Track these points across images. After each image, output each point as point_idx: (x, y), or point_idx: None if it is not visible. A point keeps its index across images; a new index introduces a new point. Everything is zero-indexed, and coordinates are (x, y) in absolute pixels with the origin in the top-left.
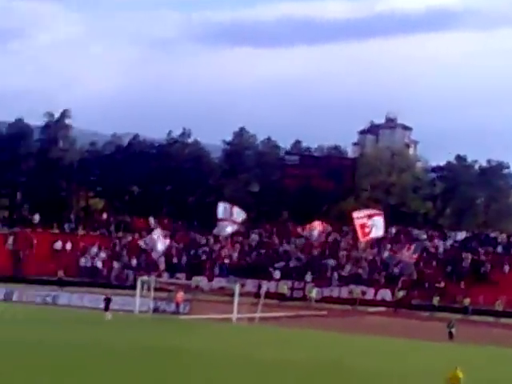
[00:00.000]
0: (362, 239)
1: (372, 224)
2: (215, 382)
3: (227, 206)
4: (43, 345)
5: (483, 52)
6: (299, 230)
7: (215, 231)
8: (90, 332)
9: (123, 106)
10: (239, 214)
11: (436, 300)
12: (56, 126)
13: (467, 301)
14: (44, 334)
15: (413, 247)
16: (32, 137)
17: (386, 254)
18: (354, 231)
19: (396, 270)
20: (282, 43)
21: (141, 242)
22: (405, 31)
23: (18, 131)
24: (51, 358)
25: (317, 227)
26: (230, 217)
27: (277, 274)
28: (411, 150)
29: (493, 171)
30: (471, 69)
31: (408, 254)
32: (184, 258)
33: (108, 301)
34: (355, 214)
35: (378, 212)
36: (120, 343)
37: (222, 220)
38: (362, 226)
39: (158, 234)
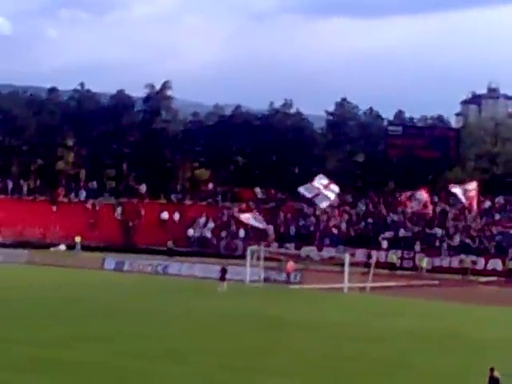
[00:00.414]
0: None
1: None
2: (328, 351)
3: (307, 185)
4: (166, 312)
5: None
6: (403, 197)
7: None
8: (204, 301)
9: (223, 77)
10: (321, 179)
11: None
12: (158, 97)
13: None
14: (164, 303)
15: None
16: (134, 108)
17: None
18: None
19: (504, 241)
20: (383, 14)
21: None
22: (506, 1)
23: (120, 102)
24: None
25: (422, 195)
26: (317, 188)
27: (385, 244)
28: None
29: None
30: None
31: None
32: (292, 228)
33: (224, 271)
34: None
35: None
36: (234, 313)
37: (314, 196)
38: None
39: (249, 218)
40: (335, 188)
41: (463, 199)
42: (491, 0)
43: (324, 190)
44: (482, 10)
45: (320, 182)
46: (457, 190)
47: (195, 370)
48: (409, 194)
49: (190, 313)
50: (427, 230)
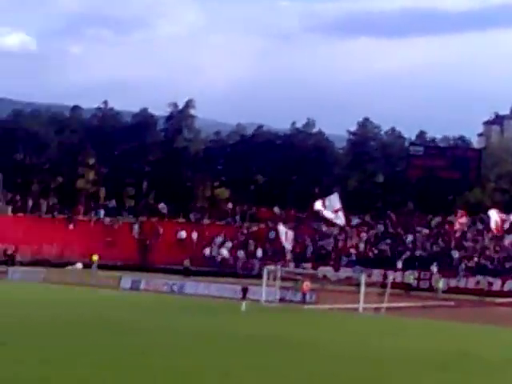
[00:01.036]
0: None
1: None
2: (340, 373)
3: (322, 201)
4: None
5: None
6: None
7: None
8: (220, 321)
9: (247, 97)
10: (335, 201)
11: None
12: (180, 116)
13: None
14: (180, 321)
15: None
16: (156, 127)
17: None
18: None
19: None
20: (406, 33)
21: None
22: None
23: (143, 121)
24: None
25: (462, 217)
26: (329, 208)
27: (401, 264)
28: None
29: None
30: None
31: None
32: (310, 248)
33: (245, 290)
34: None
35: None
36: (248, 332)
37: (332, 213)
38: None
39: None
40: (341, 216)
41: (493, 225)
42: None
43: (334, 213)
44: (504, 30)
45: (333, 203)
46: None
47: None
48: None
49: (203, 332)
50: (445, 251)
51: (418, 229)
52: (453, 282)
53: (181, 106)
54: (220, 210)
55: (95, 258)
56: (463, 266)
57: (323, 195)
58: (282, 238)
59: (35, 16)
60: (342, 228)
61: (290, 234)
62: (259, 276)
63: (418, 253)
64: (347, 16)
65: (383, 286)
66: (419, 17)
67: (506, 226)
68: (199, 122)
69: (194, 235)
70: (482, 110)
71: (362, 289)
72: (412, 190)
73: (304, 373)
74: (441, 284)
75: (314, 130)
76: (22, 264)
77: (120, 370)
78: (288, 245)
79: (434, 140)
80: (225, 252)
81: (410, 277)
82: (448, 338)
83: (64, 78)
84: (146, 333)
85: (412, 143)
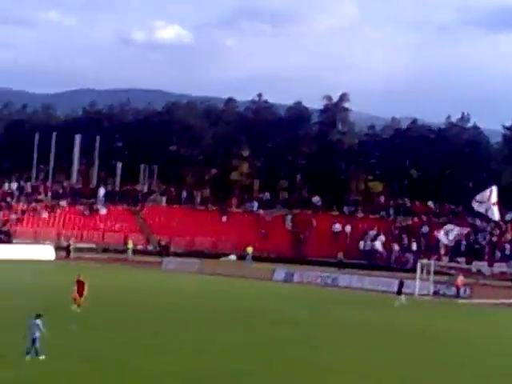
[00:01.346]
0: None
1: None
2: (494, 368)
3: (480, 196)
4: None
5: None
6: None
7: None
8: (374, 314)
9: (401, 90)
10: (492, 195)
11: None
12: (335, 109)
13: None
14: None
15: None
16: (310, 120)
17: None
18: None
19: None
20: None
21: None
22: None
23: (297, 114)
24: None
25: None
26: (488, 201)
27: None
28: None
29: None
30: None
31: None
32: (464, 243)
33: (401, 284)
34: None
35: None
36: (402, 326)
37: (486, 210)
38: None
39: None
40: (496, 211)
41: None
42: None
43: (492, 205)
44: None
45: (492, 195)
46: None
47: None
48: None
49: (357, 325)
50: None
51: None
52: None
53: (335, 99)
54: (373, 203)
55: (250, 249)
56: None
57: (477, 190)
58: (447, 237)
59: (190, 9)
60: (496, 223)
61: (464, 231)
62: (413, 270)
63: None
64: (505, 10)
65: None
66: None
67: None
68: (353, 116)
69: (348, 228)
70: None
71: None
72: None
73: (459, 368)
74: None
75: (469, 125)
76: (176, 255)
77: (274, 362)
78: (450, 242)
79: None
80: (378, 245)
81: None
82: None
83: (218, 70)
84: (299, 325)
85: None
